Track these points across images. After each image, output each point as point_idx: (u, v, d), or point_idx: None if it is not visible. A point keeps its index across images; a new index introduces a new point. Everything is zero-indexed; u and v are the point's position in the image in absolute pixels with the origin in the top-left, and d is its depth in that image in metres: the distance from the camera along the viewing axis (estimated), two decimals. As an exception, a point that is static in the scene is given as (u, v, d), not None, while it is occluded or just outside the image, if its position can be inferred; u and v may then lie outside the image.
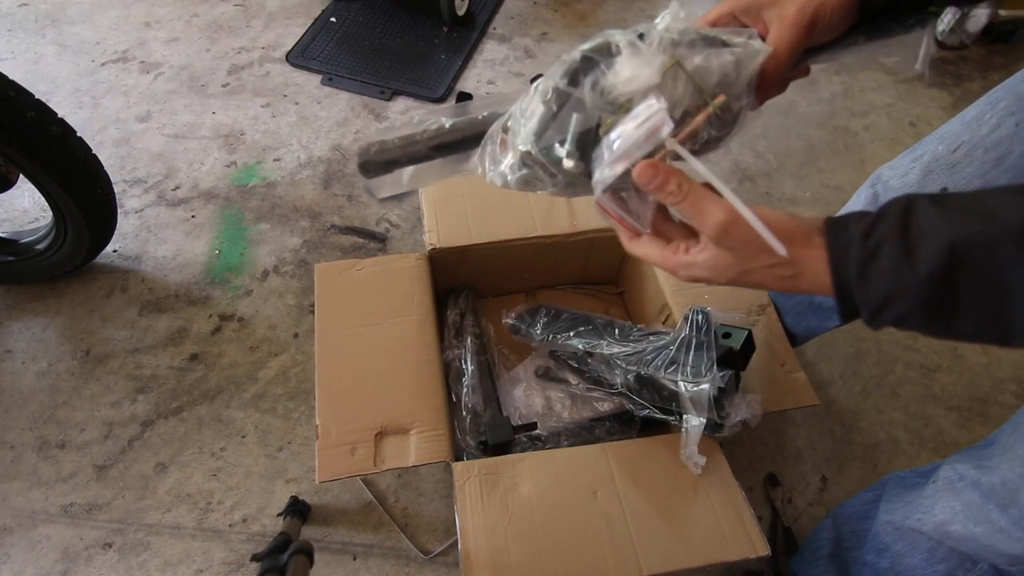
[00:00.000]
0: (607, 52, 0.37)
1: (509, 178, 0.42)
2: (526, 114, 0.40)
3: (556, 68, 0.38)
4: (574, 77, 0.37)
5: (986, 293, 0.31)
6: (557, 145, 0.38)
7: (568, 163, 0.38)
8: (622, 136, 0.36)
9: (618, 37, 0.37)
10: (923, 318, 0.33)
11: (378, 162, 0.46)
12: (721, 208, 0.35)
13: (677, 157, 0.37)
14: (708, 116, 0.37)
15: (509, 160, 0.41)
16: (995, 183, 0.63)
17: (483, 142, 0.43)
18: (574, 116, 0.37)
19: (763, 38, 0.41)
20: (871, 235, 0.33)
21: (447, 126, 0.45)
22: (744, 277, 0.38)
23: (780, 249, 0.34)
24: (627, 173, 0.37)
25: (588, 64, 0.37)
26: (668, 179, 0.36)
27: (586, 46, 0.38)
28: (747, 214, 0.34)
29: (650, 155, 0.36)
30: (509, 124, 0.41)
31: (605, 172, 0.37)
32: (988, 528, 0.52)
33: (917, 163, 0.71)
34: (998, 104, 0.63)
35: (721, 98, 0.37)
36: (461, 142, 0.45)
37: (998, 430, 0.56)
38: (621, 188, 0.38)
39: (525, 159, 0.40)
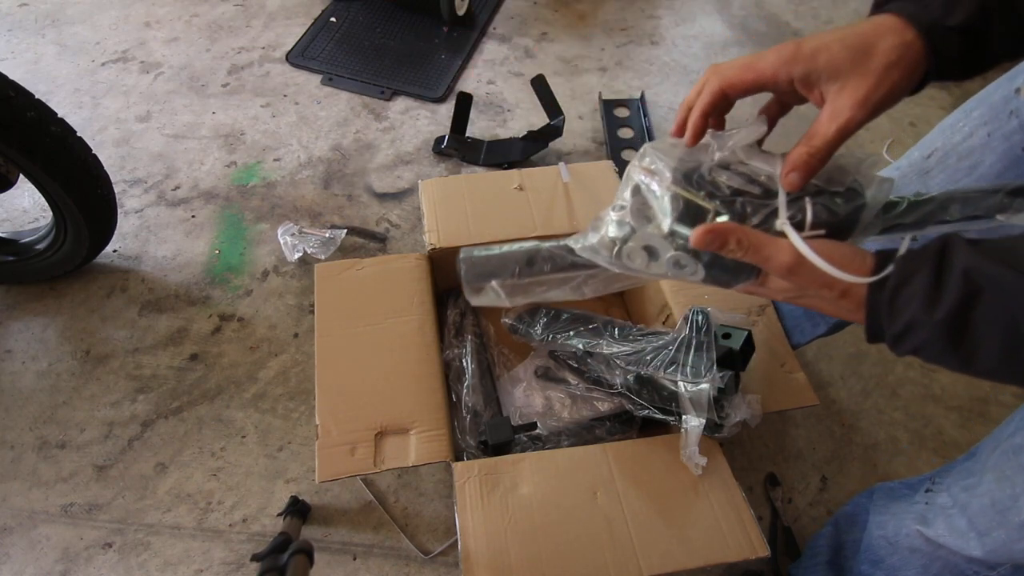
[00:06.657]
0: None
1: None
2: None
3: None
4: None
5: (1002, 334, 0.32)
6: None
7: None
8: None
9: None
10: (941, 350, 0.34)
11: (479, 270, 0.49)
12: (786, 251, 0.37)
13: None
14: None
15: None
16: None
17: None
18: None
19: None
20: (909, 262, 0.34)
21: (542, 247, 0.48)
22: (801, 300, 0.41)
23: (850, 279, 0.36)
24: None
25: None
26: (727, 238, 0.38)
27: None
28: (819, 262, 0.36)
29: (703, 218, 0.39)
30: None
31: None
32: (965, 548, 0.54)
33: (896, 170, 0.72)
34: (971, 113, 0.63)
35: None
36: (551, 259, 0.48)
37: (979, 443, 0.57)
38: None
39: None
